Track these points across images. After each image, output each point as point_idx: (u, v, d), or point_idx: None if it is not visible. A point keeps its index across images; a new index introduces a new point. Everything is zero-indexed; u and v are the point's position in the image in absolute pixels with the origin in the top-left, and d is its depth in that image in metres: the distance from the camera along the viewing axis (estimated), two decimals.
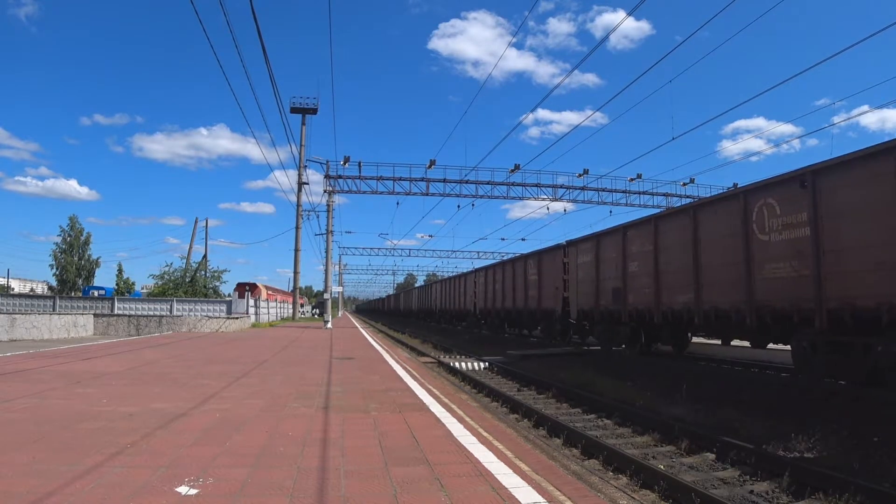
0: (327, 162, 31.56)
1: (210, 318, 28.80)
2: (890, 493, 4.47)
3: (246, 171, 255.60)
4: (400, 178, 30.81)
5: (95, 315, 28.10)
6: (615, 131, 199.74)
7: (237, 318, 29.88)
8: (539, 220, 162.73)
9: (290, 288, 45.52)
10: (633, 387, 9.81)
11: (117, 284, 45.94)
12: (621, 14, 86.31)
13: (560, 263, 17.25)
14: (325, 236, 35.81)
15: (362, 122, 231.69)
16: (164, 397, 6.57)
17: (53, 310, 28.46)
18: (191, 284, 37.72)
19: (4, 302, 30.05)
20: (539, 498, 3.29)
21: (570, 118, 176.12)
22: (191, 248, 48.96)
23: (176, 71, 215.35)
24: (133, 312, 29.08)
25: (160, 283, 37.84)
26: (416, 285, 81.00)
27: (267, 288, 53.18)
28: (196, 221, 50.68)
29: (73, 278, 53.80)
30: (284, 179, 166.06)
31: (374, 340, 19.61)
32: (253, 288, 45.49)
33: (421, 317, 46.35)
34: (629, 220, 13.63)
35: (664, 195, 34.30)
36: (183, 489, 3.29)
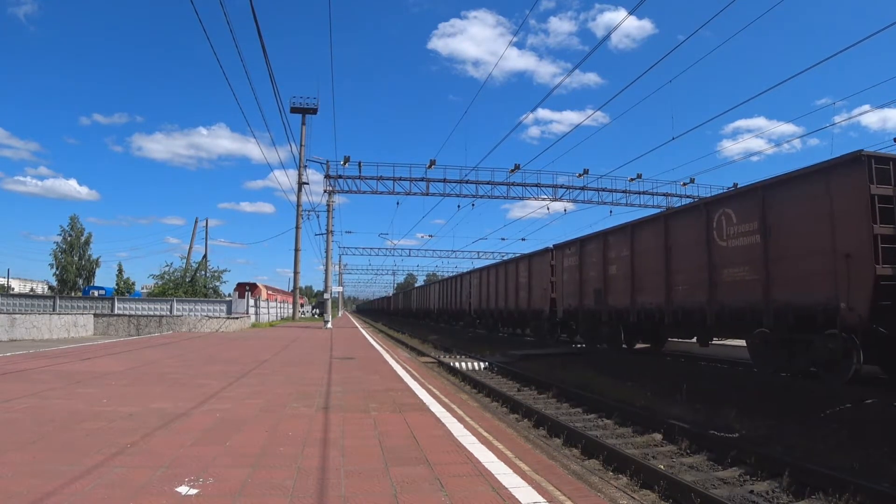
0: (327, 162, 31.62)
1: (210, 318, 28.78)
2: (890, 492, 4.47)
3: (246, 171, 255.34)
4: (400, 178, 30.82)
5: (95, 315, 28.06)
6: (615, 131, 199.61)
7: (237, 318, 29.88)
8: (539, 219, 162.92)
9: (290, 288, 45.59)
10: (634, 387, 9.82)
11: (117, 284, 45.92)
12: (623, 13, 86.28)
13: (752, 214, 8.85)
14: (325, 236, 35.86)
15: (362, 122, 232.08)
16: (164, 397, 6.57)
17: (53, 310, 28.43)
18: (191, 284, 37.70)
19: (4, 302, 30.03)
20: (539, 498, 3.29)
21: (571, 118, 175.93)
22: (191, 248, 48.98)
23: (176, 71, 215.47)
24: (133, 312, 29.07)
25: (160, 283, 37.80)
26: (417, 284, 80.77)
27: (267, 288, 53.14)
28: (196, 221, 50.66)
29: (73, 278, 53.80)
30: (284, 179, 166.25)
31: (375, 341, 19.61)
32: (253, 288, 45.45)
33: (444, 319, 38.44)
34: None
35: (664, 195, 34.41)
36: (183, 489, 3.29)
